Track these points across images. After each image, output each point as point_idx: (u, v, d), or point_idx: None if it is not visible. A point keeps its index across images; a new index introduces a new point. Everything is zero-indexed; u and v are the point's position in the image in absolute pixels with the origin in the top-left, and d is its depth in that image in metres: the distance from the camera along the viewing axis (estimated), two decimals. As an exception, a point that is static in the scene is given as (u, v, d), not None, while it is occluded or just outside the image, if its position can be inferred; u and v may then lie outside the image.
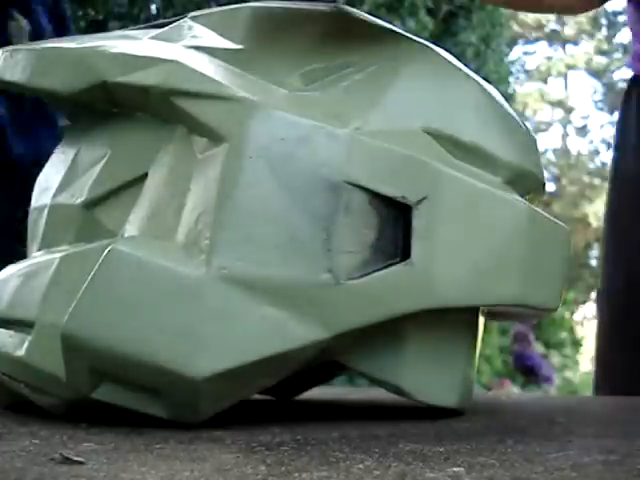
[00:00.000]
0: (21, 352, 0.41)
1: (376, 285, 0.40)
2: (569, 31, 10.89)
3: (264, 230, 0.40)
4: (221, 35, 0.45)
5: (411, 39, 0.45)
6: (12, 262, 0.46)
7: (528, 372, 5.13)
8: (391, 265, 0.41)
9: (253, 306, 0.39)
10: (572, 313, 7.09)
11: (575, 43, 11.06)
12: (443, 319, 0.44)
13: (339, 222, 0.40)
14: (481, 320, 0.49)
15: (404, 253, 0.41)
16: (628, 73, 0.93)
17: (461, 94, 0.45)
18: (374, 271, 0.40)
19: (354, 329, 0.40)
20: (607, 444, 0.36)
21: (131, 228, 0.43)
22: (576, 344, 6.56)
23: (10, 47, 0.47)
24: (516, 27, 8.84)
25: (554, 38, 11.00)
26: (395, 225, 0.41)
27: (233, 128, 0.40)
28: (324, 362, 0.44)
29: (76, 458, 0.32)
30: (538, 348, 5.55)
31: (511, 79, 5.43)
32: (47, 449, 0.34)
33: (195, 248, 0.40)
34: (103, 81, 0.43)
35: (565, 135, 11.09)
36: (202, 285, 0.39)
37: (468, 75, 0.46)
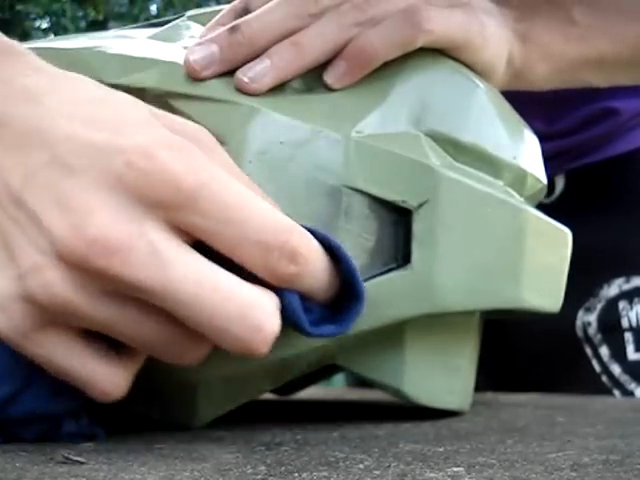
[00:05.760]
0: None
1: (376, 290, 0.40)
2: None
3: None
4: None
5: None
6: None
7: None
8: (391, 270, 0.41)
9: None
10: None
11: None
12: (444, 322, 0.44)
13: (339, 227, 0.40)
14: (481, 322, 0.49)
15: (404, 258, 0.41)
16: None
17: (462, 95, 0.45)
18: (374, 276, 0.40)
19: (355, 334, 0.40)
20: (607, 444, 0.36)
21: None
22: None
23: None
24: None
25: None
26: (395, 230, 0.41)
27: (232, 132, 0.39)
28: (324, 365, 0.44)
29: (76, 458, 0.32)
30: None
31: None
32: (47, 449, 0.34)
33: None
34: (100, 82, 0.42)
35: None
36: None
37: (468, 76, 0.46)
